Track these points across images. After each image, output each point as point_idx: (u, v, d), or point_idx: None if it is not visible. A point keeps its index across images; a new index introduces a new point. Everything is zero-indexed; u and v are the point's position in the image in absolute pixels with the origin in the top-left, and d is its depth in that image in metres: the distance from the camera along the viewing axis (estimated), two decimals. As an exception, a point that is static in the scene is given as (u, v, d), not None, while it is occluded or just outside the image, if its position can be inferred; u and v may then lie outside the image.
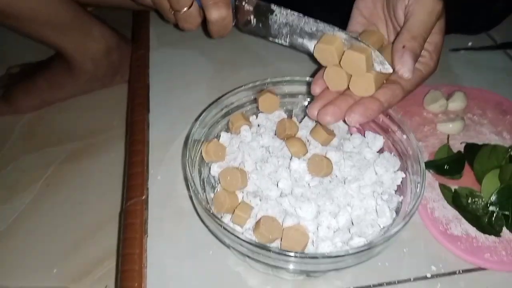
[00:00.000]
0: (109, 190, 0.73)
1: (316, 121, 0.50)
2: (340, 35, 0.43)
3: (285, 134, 0.49)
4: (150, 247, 0.49)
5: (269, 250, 0.36)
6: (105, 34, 0.87)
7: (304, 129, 0.51)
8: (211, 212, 0.38)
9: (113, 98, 0.90)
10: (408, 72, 0.42)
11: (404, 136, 0.46)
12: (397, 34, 0.45)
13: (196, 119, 0.47)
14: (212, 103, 0.49)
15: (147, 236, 0.50)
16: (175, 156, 0.57)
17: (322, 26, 0.44)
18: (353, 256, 0.37)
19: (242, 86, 0.51)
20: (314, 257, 0.37)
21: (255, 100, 0.52)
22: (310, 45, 0.45)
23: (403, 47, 0.42)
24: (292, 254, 0.36)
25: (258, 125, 0.52)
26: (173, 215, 0.51)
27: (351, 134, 0.50)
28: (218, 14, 0.48)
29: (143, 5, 0.58)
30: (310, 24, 0.45)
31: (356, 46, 0.43)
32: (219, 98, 0.50)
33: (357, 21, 0.51)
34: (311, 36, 0.45)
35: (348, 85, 0.44)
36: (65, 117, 0.89)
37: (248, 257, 0.39)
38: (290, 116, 0.53)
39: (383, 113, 0.48)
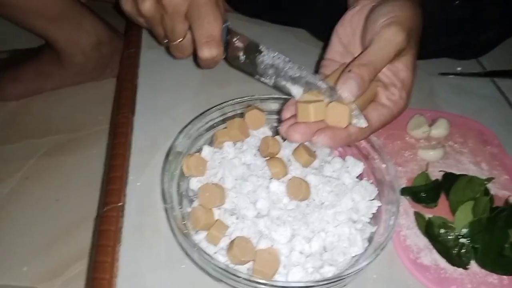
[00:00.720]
0: (88, 188, 0.73)
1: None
2: (321, 84, 0.44)
3: (267, 152, 0.49)
4: (123, 256, 0.49)
5: (238, 276, 0.37)
6: (97, 27, 0.86)
7: (287, 148, 0.51)
8: (184, 231, 0.38)
9: (101, 92, 0.89)
10: (346, 93, 0.41)
11: (383, 165, 0.47)
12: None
13: (181, 131, 0.47)
14: (198, 116, 0.49)
15: (121, 244, 0.50)
16: (157, 163, 0.57)
17: (305, 73, 0.45)
18: (324, 286, 0.38)
19: (229, 101, 0.51)
20: (283, 286, 0.37)
21: (241, 115, 0.52)
22: (292, 89, 0.46)
23: (349, 71, 0.42)
24: (262, 281, 0.37)
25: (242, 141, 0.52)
26: (149, 224, 0.51)
27: (332, 158, 0.51)
28: (209, 54, 0.49)
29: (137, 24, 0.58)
30: (294, 69, 0.46)
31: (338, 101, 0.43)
32: (205, 111, 0.50)
33: (335, 50, 0.51)
34: (294, 80, 0.46)
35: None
36: (51, 108, 0.88)
37: (219, 280, 0.39)
38: (274, 134, 0.54)
39: (365, 140, 0.49)
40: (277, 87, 0.48)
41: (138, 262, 0.48)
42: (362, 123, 0.42)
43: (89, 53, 0.86)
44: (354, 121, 0.42)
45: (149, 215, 0.52)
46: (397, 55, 0.44)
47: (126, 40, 0.79)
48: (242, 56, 0.49)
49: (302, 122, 0.42)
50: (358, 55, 0.44)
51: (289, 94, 0.47)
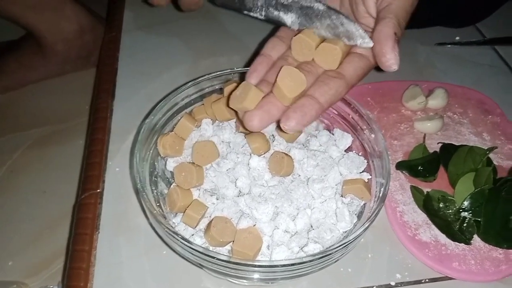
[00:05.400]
0: (75, 179, 0.70)
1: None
2: (318, 6, 0.39)
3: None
4: (101, 244, 0.46)
5: (213, 257, 0.33)
6: (79, 14, 0.83)
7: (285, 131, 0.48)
8: (154, 213, 0.35)
9: (86, 82, 0.86)
10: (396, 65, 0.37)
11: (373, 136, 0.43)
12: (378, 17, 0.39)
13: (152, 109, 0.44)
14: (172, 92, 0.46)
15: (99, 232, 0.47)
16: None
17: None
18: (308, 264, 0.35)
19: (205, 75, 0.48)
20: (263, 265, 0.34)
21: (220, 90, 0.49)
22: (287, 18, 0.42)
23: (395, 33, 0.37)
24: (240, 262, 0.34)
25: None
26: (129, 210, 0.49)
27: (318, 131, 0.47)
28: None
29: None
30: None
31: (330, 40, 0.39)
32: (179, 86, 0.46)
33: None
34: (287, 8, 0.41)
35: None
36: (36, 101, 0.86)
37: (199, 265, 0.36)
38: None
39: (353, 111, 0.46)
40: (269, 20, 0.43)
41: (117, 250, 0.46)
42: (367, 42, 0.38)
43: (71, 41, 0.83)
44: (359, 41, 0.38)
45: (128, 201, 0.50)
46: None
47: (108, 24, 0.76)
48: None
49: (257, 108, 0.36)
50: (386, 11, 0.39)
51: (284, 25, 0.42)
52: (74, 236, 0.48)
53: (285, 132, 0.43)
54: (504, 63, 0.70)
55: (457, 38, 0.73)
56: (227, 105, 0.40)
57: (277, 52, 0.42)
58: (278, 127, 0.46)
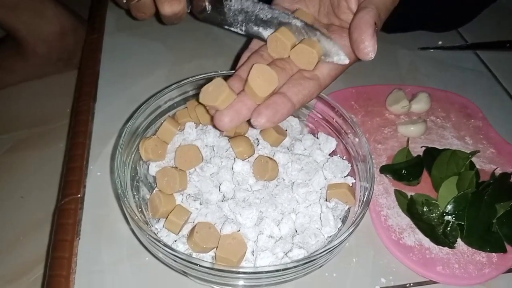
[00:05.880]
0: (55, 184, 0.69)
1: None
2: (296, 23, 0.40)
3: (233, 132, 0.46)
4: (81, 251, 0.45)
5: (195, 264, 0.33)
6: (60, 15, 0.82)
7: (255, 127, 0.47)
8: (135, 219, 0.35)
9: (68, 84, 0.84)
10: (373, 53, 0.37)
11: (357, 139, 0.43)
12: (359, 7, 0.39)
13: (134, 112, 0.43)
14: (153, 95, 0.45)
15: (79, 238, 0.46)
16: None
17: (277, 13, 0.41)
18: (292, 270, 0.34)
19: (189, 78, 0.47)
20: (248, 272, 0.34)
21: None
22: (266, 33, 0.42)
23: (375, 23, 0.37)
24: (225, 269, 0.33)
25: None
26: (110, 216, 0.48)
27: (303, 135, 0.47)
28: (171, 10, 0.46)
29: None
30: (265, 10, 0.41)
31: (307, 41, 0.39)
32: (162, 89, 0.46)
33: None
34: (266, 24, 0.42)
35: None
36: (15, 103, 0.84)
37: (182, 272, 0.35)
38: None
39: (337, 115, 0.46)
40: (250, 35, 0.44)
41: (98, 257, 0.45)
42: (343, 59, 0.38)
43: (52, 42, 0.81)
44: (335, 58, 0.38)
45: (109, 207, 0.48)
46: None
47: (89, 26, 0.75)
48: (208, 6, 0.45)
49: (228, 107, 0.36)
50: (367, 1, 0.39)
51: (264, 39, 0.42)
52: (54, 243, 0.46)
53: (272, 135, 0.42)
54: (486, 67, 0.71)
55: (440, 42, 0.74)
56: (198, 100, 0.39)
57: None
58: (263, 130, 0.46)
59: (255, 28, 0.43)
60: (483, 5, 0.73)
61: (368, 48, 0.36)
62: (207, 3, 0.45)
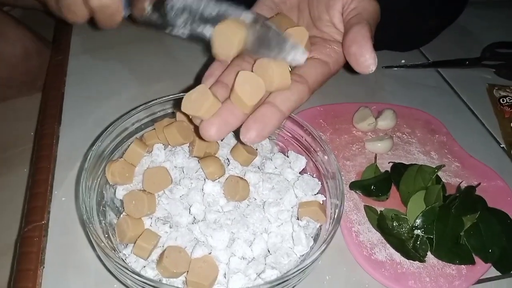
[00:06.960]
0: (17, 211, 0.66)
1: (237, 140, 0.47)
2: (246, 17, 0.36)
3: (204, 152, 0.45)
4: (46, 281, 0.43)
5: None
6: (24, 37, 0.80)
7: (225, 147, 0.47)
8: (101, 245, 0.33)
9: (32, 107, 0.81)
10: (374, 66, 0.36)
11: (326, 157, 0.43)
12: (350, 23, 0.39)
13: (99, 135, 0.42)
14: (120, 117, 0.44)
15: (44, 267, 0.44)
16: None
17: (224, 8, 0.37)
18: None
19: (157, 99, 0.46)
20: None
21: (172, 114, 0.48)
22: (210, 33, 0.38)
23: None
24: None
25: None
26: (76, 243, 0.46)
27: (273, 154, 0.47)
28: (99, 1, 0.42)
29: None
30: (210, 7, 0.37)
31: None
32: (129, 111, 0.45)
33: (264, 4, 0.44)
34: (212, 21, 0.37)
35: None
36: (-26, 128, 0.81)
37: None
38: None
39: (306, 133, 0.46)
40: (194, 38, 0.39)
41: (64, 286, 0.43)
42: (299, 59, 0.35)
43: (15, 65, 0.79)
44: (290, 56, 0.35)
45: (75, 233, 0.47)
46: None
47: (54, 47, 0.73)
48: (148, 7, 0.40)
49: (216, 115, 0.34)
50: (358, 17, 0.38)
51: (209, 44, 0.38)
52: (17, 273, 0.44)
53: (245, 144, 0.39)
54: (448, 84, 0.73)
55: (403, 61, 0.76)
56: (180, 109, 0.36)
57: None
58: (233, 149, 0.46)
59: (200, 29, 0.38)
60: (443, 26, 0.76)
61: (369, 61, 0.36)
62: (146, 3, 0.41)
